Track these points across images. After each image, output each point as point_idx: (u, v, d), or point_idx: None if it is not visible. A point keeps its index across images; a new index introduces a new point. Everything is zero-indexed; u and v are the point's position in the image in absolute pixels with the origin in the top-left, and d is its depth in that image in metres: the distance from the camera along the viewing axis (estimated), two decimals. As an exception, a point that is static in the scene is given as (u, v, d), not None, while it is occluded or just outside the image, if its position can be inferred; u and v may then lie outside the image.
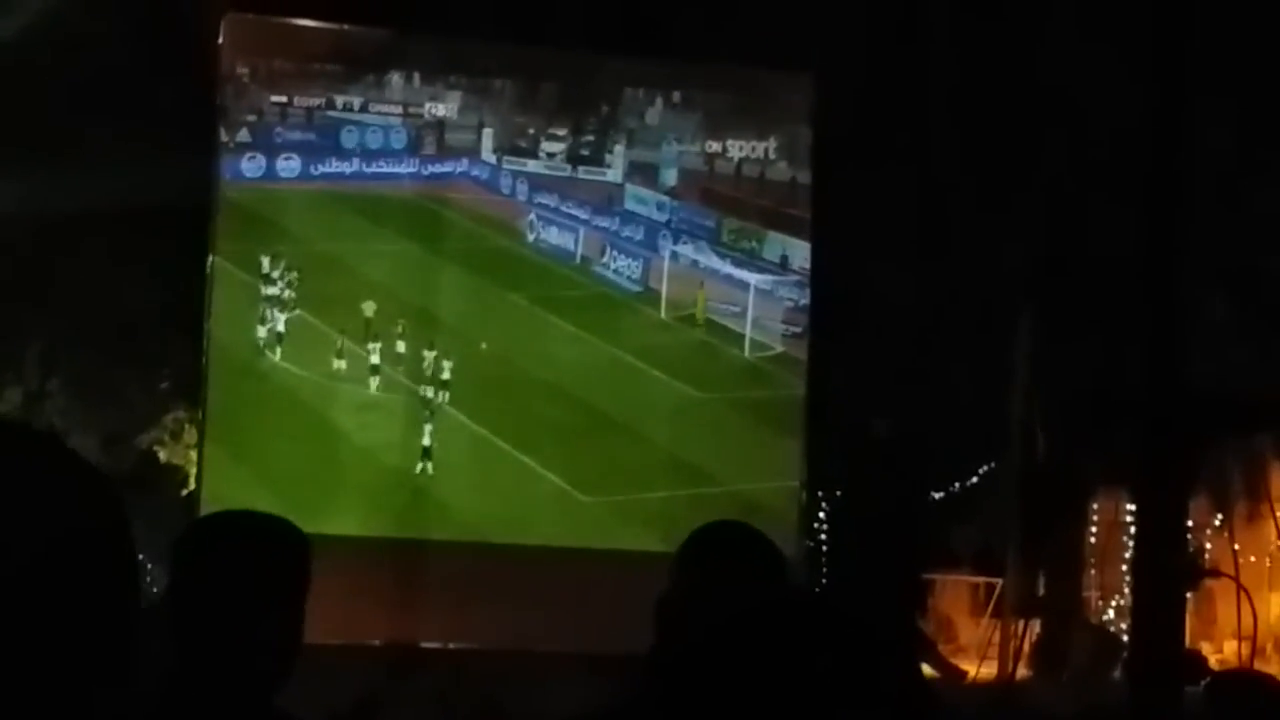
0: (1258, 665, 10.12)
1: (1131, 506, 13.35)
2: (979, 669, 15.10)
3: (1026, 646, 15.00)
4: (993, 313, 16.32)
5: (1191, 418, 7.20)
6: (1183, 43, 7.21)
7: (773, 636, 1.39)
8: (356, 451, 15.57)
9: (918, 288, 16.82)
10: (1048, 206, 16.56)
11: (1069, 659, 16.11)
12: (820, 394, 16.20)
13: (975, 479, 18.36)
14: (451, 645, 14.25)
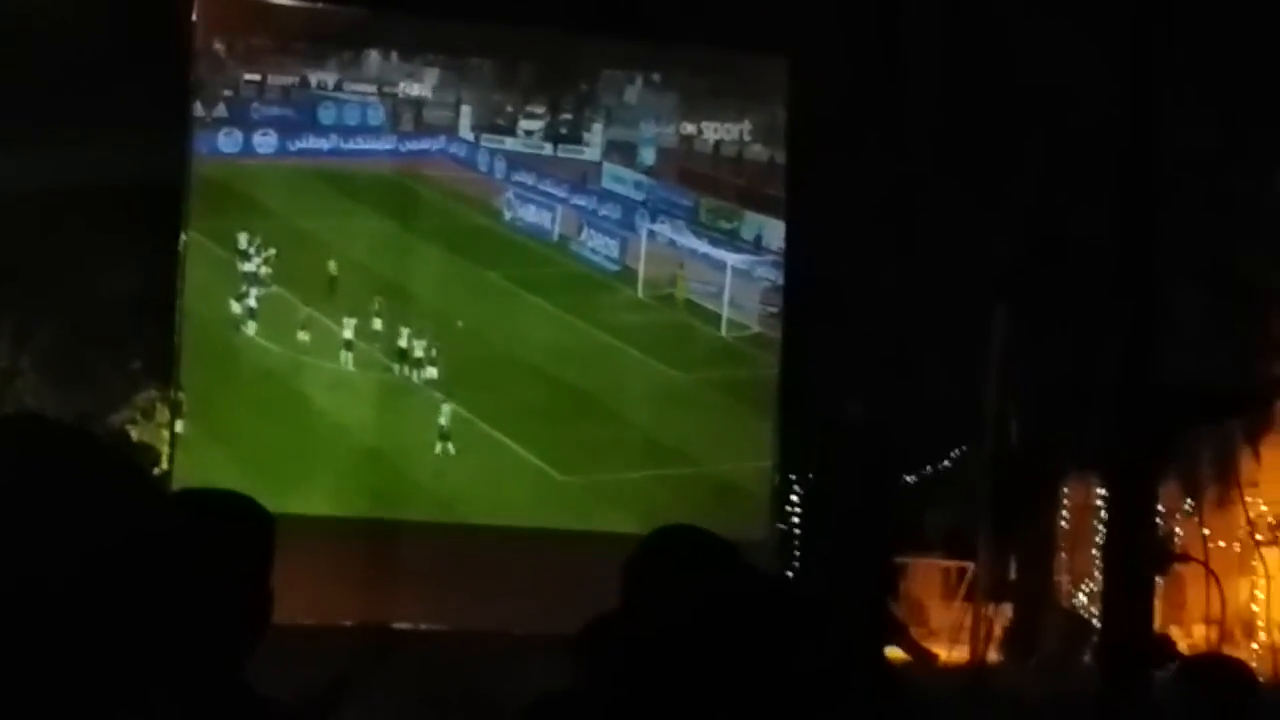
0: (1226, 649, 10.20)
1: (1102, 491, 13.44)
2: (950, 652, 15.16)
3: (998, 630, 15.07)
4: (967, 297, 16.36)
5: (1162, 406, 7.25)
6: (1160, 37, 7.24)
7: (734, 619, 1.41)
8: (331, 430, 15.55)
9: (892, 272, 16.86)
10: (1024, 194, 16.61)
11: (1039, 643, 16.20)
12: (794, 377, 16.25)
13: (947, 463, 18.42)
14: (424, 626, 14.26)
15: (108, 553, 1.27)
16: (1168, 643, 9.17)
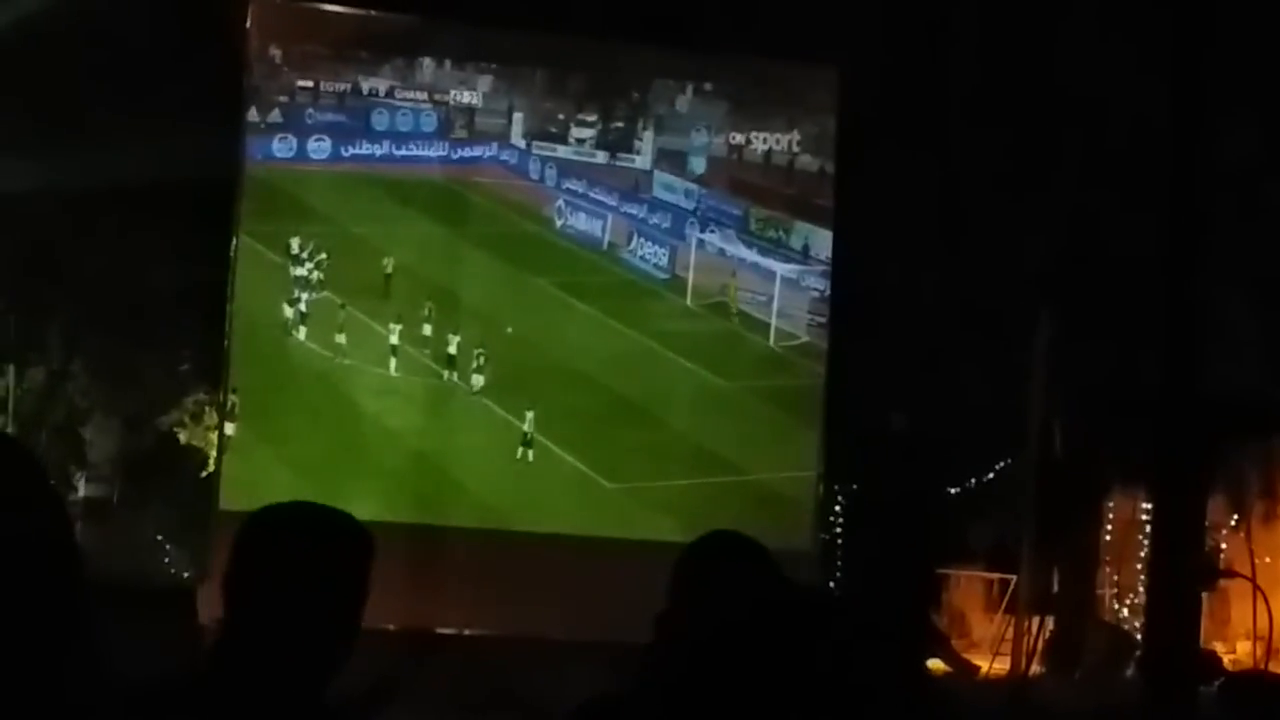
0: (1273, 666, 10.12)
1: (1147, 505, 13.36)
2: (992, 665, 15.10)
3: (1040, 643, 14.99)
4: (1012, 310, 16.30)
5: (1208, 419, 7.22)
6: (1204, 44, 7.22)
7: (777, 631, 1.44)
8: (379, 435, 15.60)
9: (938, 283, 16.81)
10: (1068, 205, 16.55)
11: (1082, 656, 16.10)
12: (839, 386, 16.21)
13: (992, 475, 18.35)
14: (467, 631, 14.30)
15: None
16: (1213, 658, 9.10)
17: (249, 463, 14.65)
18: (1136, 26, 13.02)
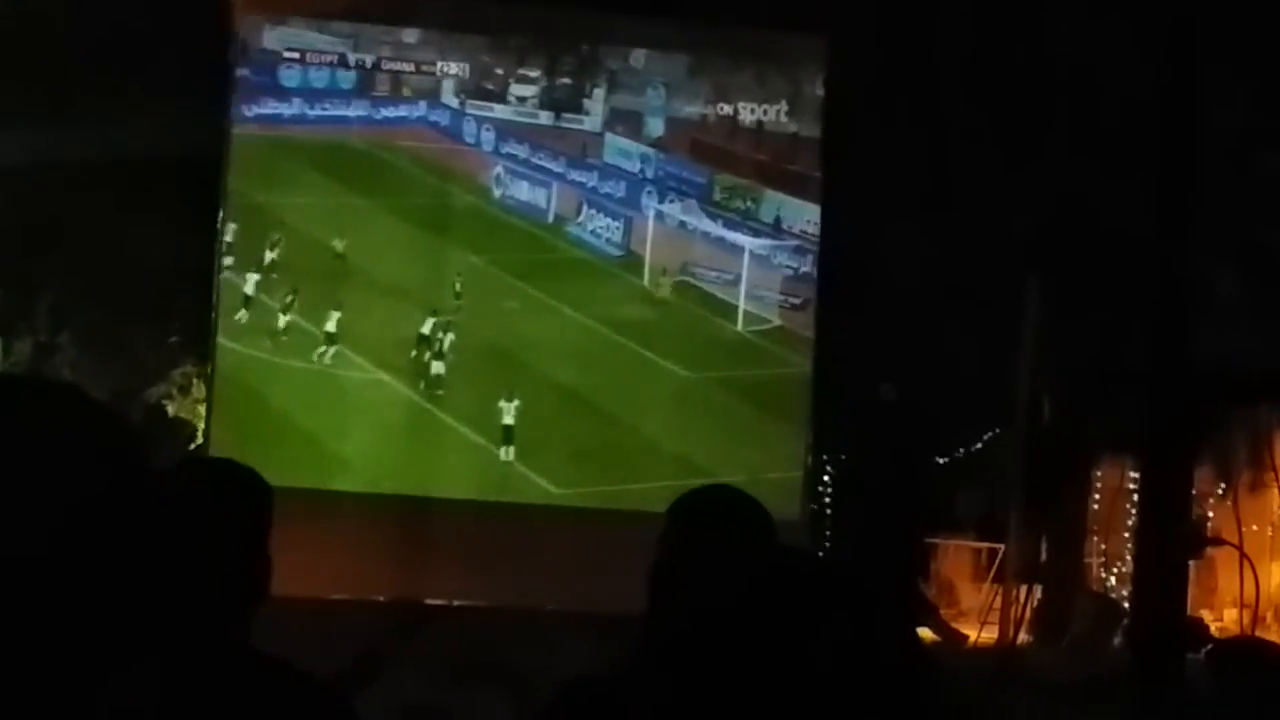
0: (1258, 634, 10.16)
1: (1135, 474, 13.37)
2: (980, 634, 15.14)
3: (1028, 612, 15.02)
4: (1000, 279, 16.30)
5: (1196, 389, 7.24)
6: (1194, 13, 7.21)
7: (774, 601, 1.43)
8: (364, 408, 15.54)
9: (925, 253, 16.82)
10: (1057, 175, 16.54)
11: (1070, 625, 16.17)
12: (826, 358, 16.19)
13: (980, 445, 18.38)
14: (457, 602, 14.33)
15: (91, 513, 1.28)
16: (1200, 626, 9.15)
17: (236, 435, 14.62)
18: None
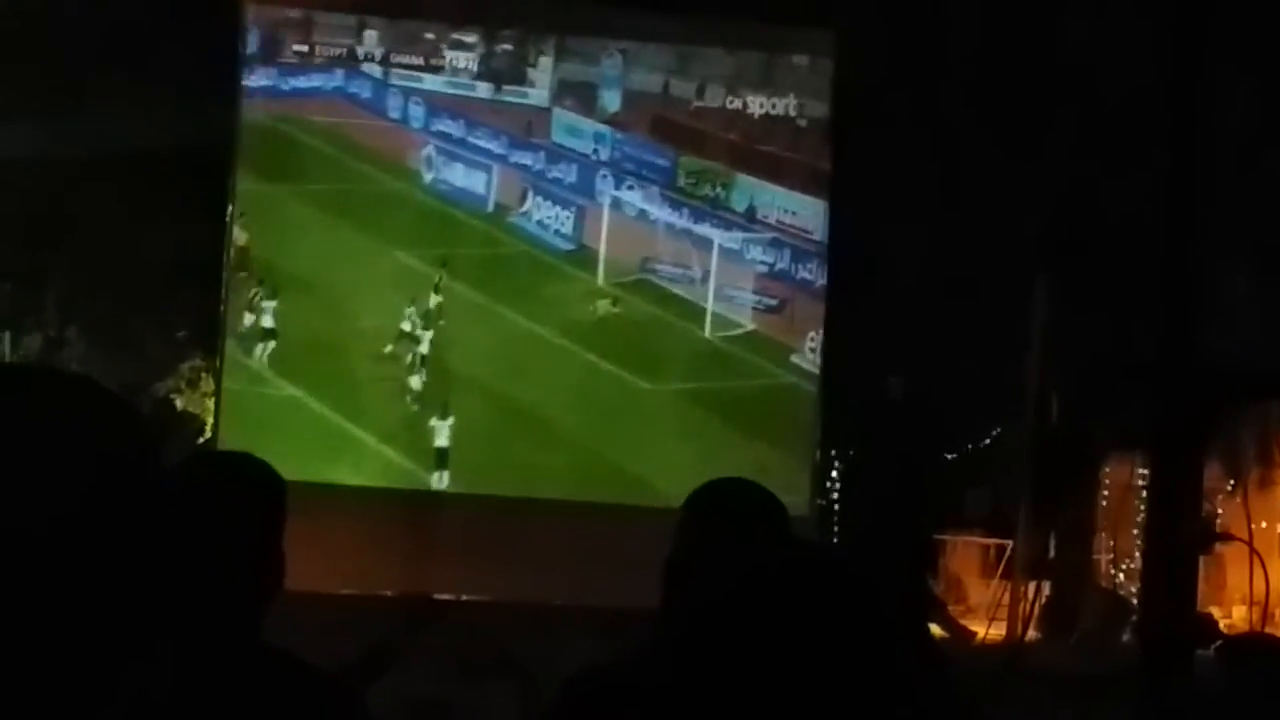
0: (1268, 630, 10.14)
1: (1144, 471, 13.37)
2: (988, 630, 15.14)
3: (1036, 609, 15.04)
4: (1009, 275, 16.29)
5: (1205, 385, 7.23)
6: (1203, 9, 7.19)
7: (787, 593, 1.43)
8: (373, 402, 15.47)
9: (933, 249, 16.80)
10: (1066, 170, 16.52)
11: (1078, 621, 16.16)
12: (835, 352, 16.16)
13: (988, 441, 18.36)
14: (465, 597, 14.32)
15: (105, 504, 1.29)
16: (1209, 622, 9.14)
17: (245, 430, 14.60)
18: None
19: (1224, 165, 12.33)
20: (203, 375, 18.95)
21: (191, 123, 15.27)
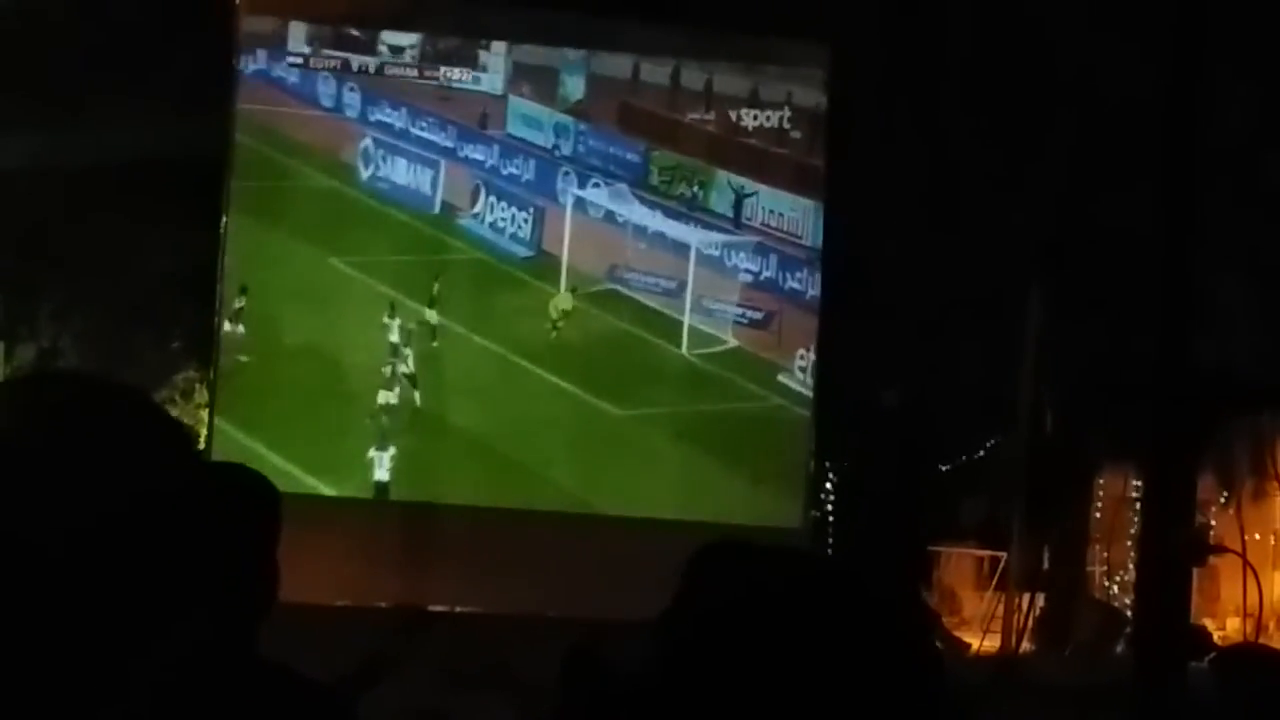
0: (1261, 641, 10.16)
1: (1138, 482, 13.38)
2: (982, 642, 15.14)
3: (1030, 620, 15.04)
4: (1003, 286, 16.31)
5: (1199, 397, 7.24)
6: (1199, 19, 7.21)
7: (786, 605, 1.43)
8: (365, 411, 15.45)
9: (928, 260, 16.82)
10: (1060, 181, 16.55)
11: (1073, 633, 16.17)
12: (830, 363, 16.15)
13: (982, 452, 18.37)
14: (459, 609, 14.30)
15: (120, 512, 1.29)
16: (1203, 634, 9.15)
17: (238, 442, 14.59)
18: (1131, 2, 13.01)
19: (1219, 177, 12.36)
20: (197, 386, 18.94)
21: (186, 137, 15.29)
